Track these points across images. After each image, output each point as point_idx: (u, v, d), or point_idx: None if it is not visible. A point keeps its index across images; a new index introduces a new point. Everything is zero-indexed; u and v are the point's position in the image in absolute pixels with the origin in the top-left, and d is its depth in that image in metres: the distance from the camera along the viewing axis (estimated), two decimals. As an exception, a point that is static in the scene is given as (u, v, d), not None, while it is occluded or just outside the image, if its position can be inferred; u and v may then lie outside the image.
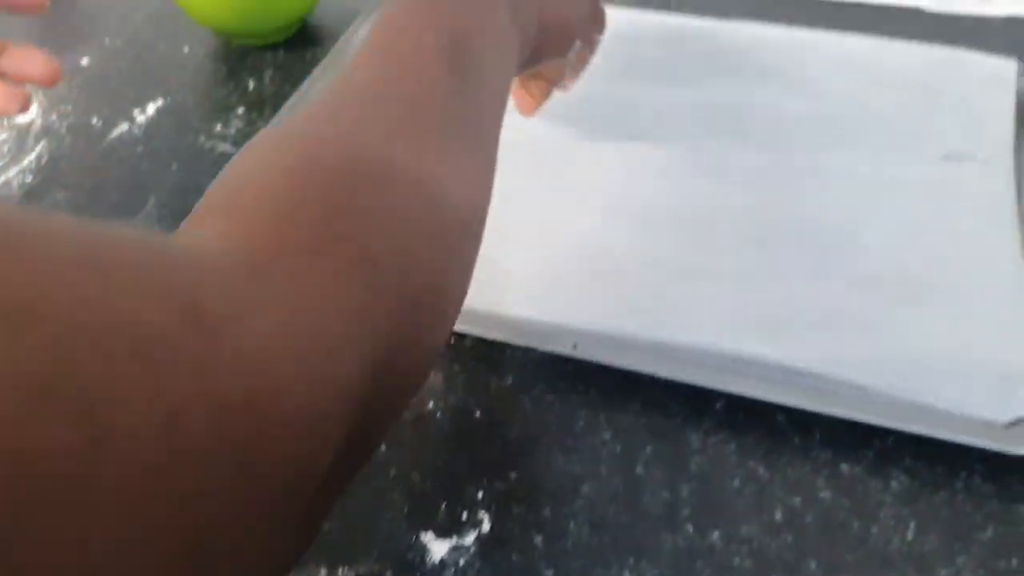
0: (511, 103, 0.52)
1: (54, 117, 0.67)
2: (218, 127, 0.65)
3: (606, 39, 0.56)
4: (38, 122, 0.67)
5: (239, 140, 0.63)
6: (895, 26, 0.68)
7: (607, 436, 0.45)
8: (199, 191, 0.63)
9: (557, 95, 0.56)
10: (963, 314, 0.46)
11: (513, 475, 0.44)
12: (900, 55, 0.62)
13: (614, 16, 0.58)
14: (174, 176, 0.61)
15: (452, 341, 0.49)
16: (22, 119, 0.67)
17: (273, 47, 0.72)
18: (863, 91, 0.60)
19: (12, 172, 0.63)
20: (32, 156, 0.64)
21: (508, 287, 0.50)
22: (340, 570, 0.41)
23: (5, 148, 0.65)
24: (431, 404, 0.47)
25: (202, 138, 0.64)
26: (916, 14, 0.69)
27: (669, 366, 0.46)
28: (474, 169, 0.36)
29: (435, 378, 0.48)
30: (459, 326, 0.49)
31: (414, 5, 0.39)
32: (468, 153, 0.36)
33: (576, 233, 0.53)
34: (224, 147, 0.63)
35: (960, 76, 0.59)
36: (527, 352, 0.48)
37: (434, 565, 0.41)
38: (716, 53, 0.64)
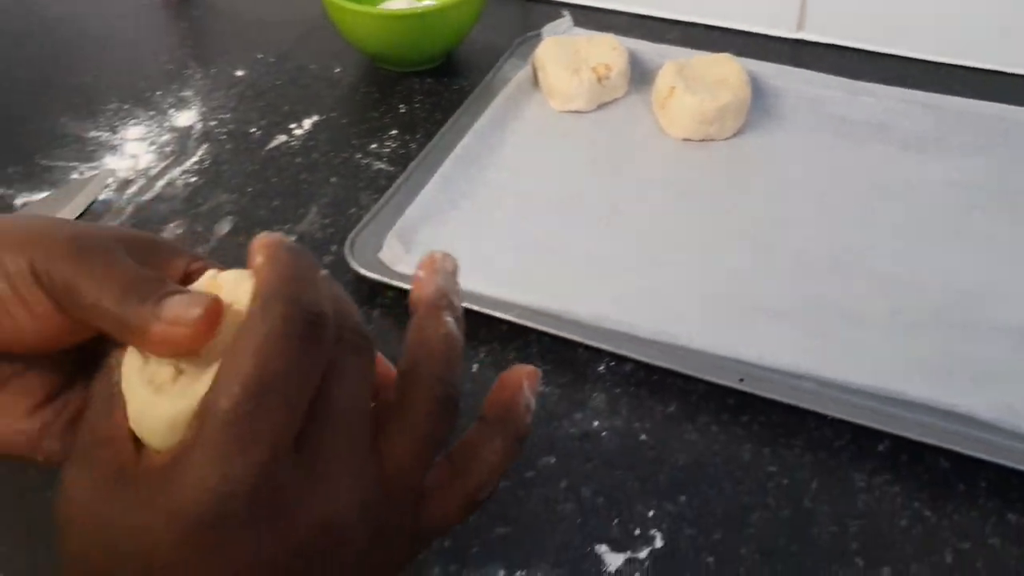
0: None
1: (213, 123, 0.70)
2: (373, 145, 0.68)
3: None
4: (198, 126, 0.70)
5: (394, 159, 0.66)
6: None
7: (773, 469, 0.46)
8: (359, 205, 0.67)
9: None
10: None
11: (682, 498, 0.45)
12: None
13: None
14: (334, 188, 0.64)
15: (612, 364, 0.51)
16: (183, 122, 0.70)
17: (419, 74, 0.75)
18: (1001, 162, 0.62)
19: (176, 172, 0.66)
20: (194, 159, 0.67)
21: (674, 318, 0.51)
22: (517, 573, 0.43)
23: (168, 149, 0.68)
24: (596, 423, 0.48)
25: (358, 155, 0.67)
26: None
27: (835, 405, 0.47)
28: None
29: (598, 398, 0.50)
30: (621, 349, 0.51)
31: None
32: None
33: (732, 269, 0.55)
34: (380, 165, 0.66)
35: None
36: (688, 381, 0.50)
37: (610, 575, 0.42)
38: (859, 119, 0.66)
